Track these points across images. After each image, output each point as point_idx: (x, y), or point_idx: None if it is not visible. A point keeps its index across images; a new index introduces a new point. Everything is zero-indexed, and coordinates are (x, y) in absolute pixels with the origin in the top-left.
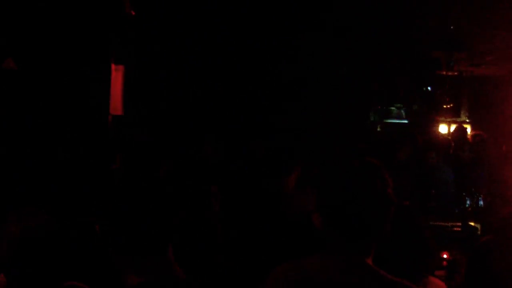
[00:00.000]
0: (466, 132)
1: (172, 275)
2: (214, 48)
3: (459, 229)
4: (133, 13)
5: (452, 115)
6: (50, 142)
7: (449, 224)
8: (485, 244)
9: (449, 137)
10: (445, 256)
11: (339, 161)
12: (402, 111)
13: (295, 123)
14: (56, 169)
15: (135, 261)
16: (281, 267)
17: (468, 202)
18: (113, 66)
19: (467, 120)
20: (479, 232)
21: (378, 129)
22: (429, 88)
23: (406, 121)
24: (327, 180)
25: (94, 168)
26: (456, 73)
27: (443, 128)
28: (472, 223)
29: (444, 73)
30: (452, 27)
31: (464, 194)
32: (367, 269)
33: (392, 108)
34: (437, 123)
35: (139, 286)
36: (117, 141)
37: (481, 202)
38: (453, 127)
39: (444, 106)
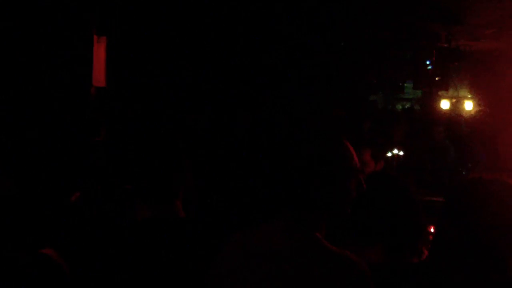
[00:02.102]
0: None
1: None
2: (201, 19)
3: None
4: None
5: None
6: (32, 115)
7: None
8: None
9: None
10: (432, 230)
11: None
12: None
13: (291, 101)
14: (37, 141)
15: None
16: (234, 235)
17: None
18: (95, 38)
19: (469, 96)
20: None
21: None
22: (427, 62)
23: (411, 96)
24: (281, 149)
25: (77, 140)
26: (455, 47)
27: (444, 104)
28: None
29: (443, 46)
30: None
31: (460, 169)
32: (311, 239)
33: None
34: (439, 98)
35: (149, 220)
36: (100, 113)
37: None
38: (452, 101)
39: (437, 79)
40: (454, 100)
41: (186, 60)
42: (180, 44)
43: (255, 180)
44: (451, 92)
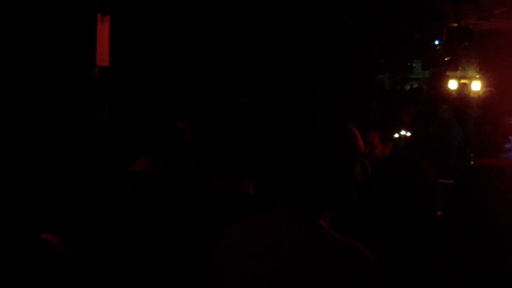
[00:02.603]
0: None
1: None
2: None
3: None
4: None
5: (451, 69)
6: (34, 96)
7: (451, 181)
8: (474, 169)
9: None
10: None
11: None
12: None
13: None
14: (41, 124)
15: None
16: (232, 225)
17: (471, 159)
18: (99, 16)
19: (477, 76)
20: None
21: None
22: (436, 42)
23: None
24: (283, 133)
25: (81, 121)
26: (464, 27)
27: (452, 84)
28: None
29: (451, 25)
30: None
31: (467, 150)
32: (314, 226)
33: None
34: (447, 79)
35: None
36: (104, 93)
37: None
38: (461, 81)
39: (446, 59)
40: (462, 81)
41: (194, 40)
42: (188, 24)
43: (255, 165)
44: (459, 72)
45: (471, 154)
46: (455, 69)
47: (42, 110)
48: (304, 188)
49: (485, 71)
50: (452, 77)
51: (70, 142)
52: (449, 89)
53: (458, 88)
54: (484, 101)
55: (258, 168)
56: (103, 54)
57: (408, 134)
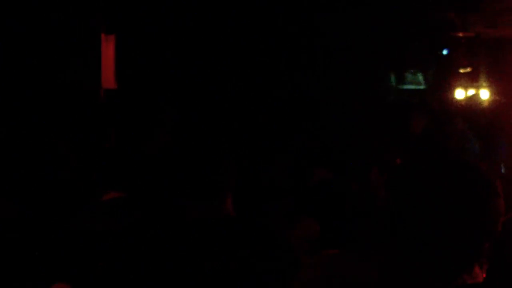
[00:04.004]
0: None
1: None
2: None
3: None
4: None
5: (469, 80)
6: (36, 120)
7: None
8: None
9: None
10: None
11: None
12: (419, 75)
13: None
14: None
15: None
16: (314, 258)
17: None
18: (103, 36)
19: (485, 84)
20: None
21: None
22: (444, 51)
23: (422, 87)
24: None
25: (86, 147)
26: (472, 35)
27: (459, 93)
28: None
29: (460, 35)
30: None
31: (484, 162)
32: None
33: (406, 73)
34: (454, 88)
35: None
36: (110, 117)
37: (502, 170)
38: (470, 91)
39: (461, 71)
40: (469, 89)
41: (200, 57)
42: (193, 41)
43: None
44: (466, 81)
45: (488, 164)
46: (476, 80)
47: (45, 138)
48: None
49: (493, 80)
50: (459, 86)
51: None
52: (456, 99)
53: (465, 98)
54: (493, 110)
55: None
56: (108, 76)
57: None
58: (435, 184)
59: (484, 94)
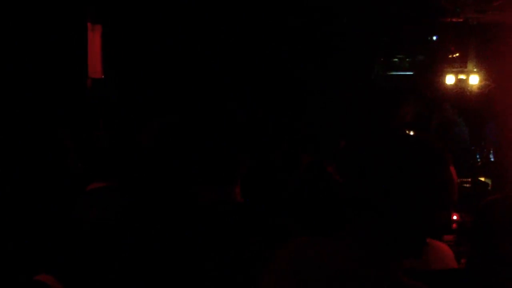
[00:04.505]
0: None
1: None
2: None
3: (469, 185)
4: None
5: (458, 65)
6: (24, 110)
7: (459, 180)
8: (489, 204)
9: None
10: (454, 218)
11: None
12: (406, 61)
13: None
14: (34, 140)
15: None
16: (290, 243)
17: (478, 156)
18: (89, 26)
19: (475, 70)
20: (489, 188)
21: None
22: (434, 37)
23: (411, 73)
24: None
25: (75, 136)
26: (461, 20)
27: (450, 79)
28: (482, 179)
29: (449, 20)
30: None
31: (473, 148)
32: (385, 267)
33: (395, 59)
34: (443, 73)
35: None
36: (98, 105)
37: (491, 156)
38: (460, 77)
39: (450, 56)
40: (459, 75)
41: (187, 46)
42: (180, 31)
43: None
44: (456, 66)
45: (477, 153)
46: (464, 65)
47: (33, 127)
48: (382, 221)
49: (483, 65)
50: (449, 72)
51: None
52: (446, 84)
53: (455, 83)
54: (483, 95)
55: (242, 172)
56: (95, 66)
57: (411, 133)
58: (382, 159)
59: (474, 80)
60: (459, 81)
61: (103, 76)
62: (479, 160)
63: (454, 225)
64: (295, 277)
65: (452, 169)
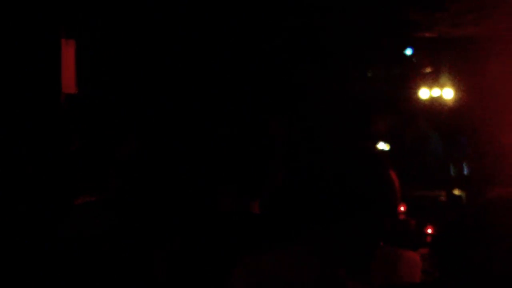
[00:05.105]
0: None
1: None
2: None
3: (444, 198)
4: None
5: (433, 80)
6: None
7: (433, 193)
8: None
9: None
10: (429, 231)
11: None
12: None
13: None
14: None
15: None
16: (246, 259)
17: (451, 169)
18: (63, 41)
19: (448, 84)
20: (463, 201)
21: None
22: (408, 51)
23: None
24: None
25: (50, 152)
26: (435, 35)
27: (424, 93)
28: (456, 192)
29: (424, 34)
30: None
31: (447, 161)
32: (334, 276)
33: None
34: (418, 87)
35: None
36: (72, 121)
37: (465, 169)
38: (434, 91)
39: (424, 70)
40: (433, 88)
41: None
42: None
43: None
44: (430, 81)
45: (450, 165)
46: (438, 80)
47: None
48: (329, 227)
49: (457, 79)
50: (423, 86)
51: (39, 176)
52: (419, 98)
53: (429, 97)
54: (456, 109)
55: (270, 189)
56: (69, 80)
57: (386, 148)
58: (325, 168)
59: (448, 94)
60: (432, 94)
61: (77, 91)
62: (452, 173)
63: (429, 238)
64: None
65: (393, 173)
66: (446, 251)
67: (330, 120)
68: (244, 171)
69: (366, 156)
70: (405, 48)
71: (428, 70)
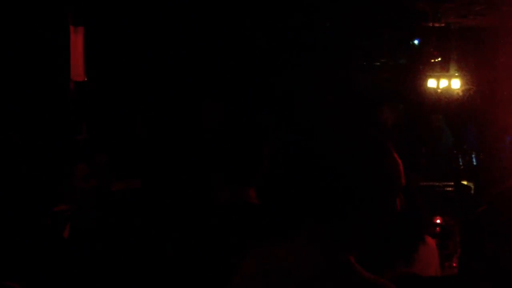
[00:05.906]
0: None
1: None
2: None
3: (452, 189)
4: None
5: (440, 69)
6: (5, 114)
7: (442, 184)
8: (477, 219)
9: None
10: (438, 221)
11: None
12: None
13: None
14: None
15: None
16: (253, 252)
17: (460, 160)
18: (71, 28)
19: (456, 74)
20: (472, 192)
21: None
22: (415, 41)
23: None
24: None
25: (57, 140)
26: (443, 25)
27: (431, 83)
28: (465, 182)
29: (431, 25)
30: None
31: (456, 152)
32: (342, 262)
33: (377, 63)
34: (426, 78)
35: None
36: (81, 109)
37: (474, 160)
38: (442, 81)
39: (432, 60)
40: (441, 79)
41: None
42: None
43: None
44: (438, 71)
45: (459, 156)
46: (447, 70)
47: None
48: (331, 215)
49: (465, 69)
50: (430, 76)
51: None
52: (428, 88)
53: (437, 87)
54: (465, 99)
55: (261, 176)
56: (77, 68)
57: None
58: (328, 154)
59: (456, 84)
60: (441, 85)
61: (86, 79)
62: (461, 164)
63: (438, 229)
64: (262, 284)
65: (396, 155)
66: (470, 244)
67: (331, 108)
68: (234, 157)
69: (368, 142)
70: (412, 38)
71: (436, 60)
